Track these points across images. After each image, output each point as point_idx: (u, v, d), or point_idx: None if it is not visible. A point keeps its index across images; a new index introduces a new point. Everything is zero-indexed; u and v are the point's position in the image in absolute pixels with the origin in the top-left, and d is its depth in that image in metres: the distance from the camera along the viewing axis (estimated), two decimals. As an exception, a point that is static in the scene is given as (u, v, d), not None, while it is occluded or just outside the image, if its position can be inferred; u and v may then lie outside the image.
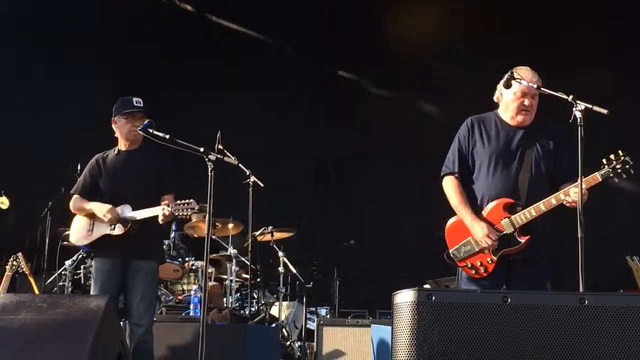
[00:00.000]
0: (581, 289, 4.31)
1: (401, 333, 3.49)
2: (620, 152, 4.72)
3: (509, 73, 5.00)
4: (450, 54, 10.03)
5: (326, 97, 11.07)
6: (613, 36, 9.90)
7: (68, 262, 8.09)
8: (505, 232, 4.92)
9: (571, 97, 4.67)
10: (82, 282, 7.86)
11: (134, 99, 6.05)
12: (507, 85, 5.02)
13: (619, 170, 4.71)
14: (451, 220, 5.20)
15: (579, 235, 4.49)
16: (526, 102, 5.03)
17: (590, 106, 4.62)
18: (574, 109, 4.63)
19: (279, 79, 11.07)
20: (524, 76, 5.00)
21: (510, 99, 5.09)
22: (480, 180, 5.11)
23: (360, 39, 10.92)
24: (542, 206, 4.84)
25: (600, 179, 4.73)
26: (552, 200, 4.82)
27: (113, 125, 6.10)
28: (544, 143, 5.06)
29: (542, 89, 4.90)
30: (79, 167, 8.14)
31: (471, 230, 5.02)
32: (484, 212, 5.03)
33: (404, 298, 3.55)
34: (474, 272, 5.04)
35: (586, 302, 3.43)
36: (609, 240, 9.00)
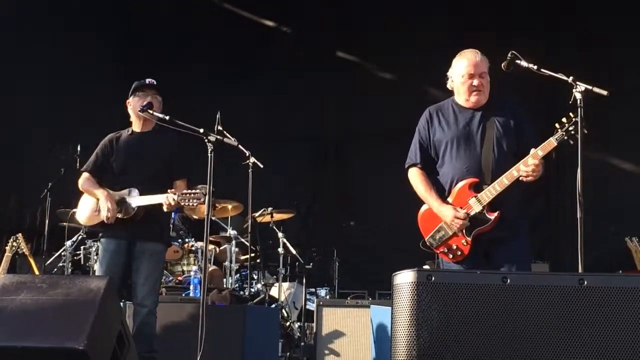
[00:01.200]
0: (580, 270, 4.33)
1: (401, 313, 3.50)
2: (571, 114, 4.71)
3: (509, 55, 5.01)
4: (451, 36, 10.01)
5: (326, 78, 11.04)
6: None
7: (68, 243, 8.11)
8: (474, 211, 4.94)
9: (571, 78, 4.68)
10: (82, 262, 7.88)
11: (147, 79, 6.05)
12: (508, 67, 5.02)
13: (572, 132, 4.71)
14: (422, 209, 5.23)
15: (578, 216, 4.51)
16: (475, 82, 5.06)
17: (590, 87, 4.63)
18: (573, 90, 4.64)
19: (277, 61, 11.06)
20: (468, 58, 5.09)
21: (460, 82, 5.13)
22: (445, 166, 5.14)
23: (361, 19, 10.89)
24: (504, 180, 4.86)
25: (556, 143, 4.76)
26: (513, 172, 4.84)
27: (128, 108, 6.09)
28: (503, 121, 5.09)
29: (542, 70, 4.90)
30: (78, 149, 8.18)
31: (440, 215, 5.05)
32: (451, 196, 5.06)
33: (404, 279, 3.56)
34: (451, 256, 5.06)
35: (585, 282, 3.44)
36: (609, 221, 8.99)
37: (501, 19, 10.29)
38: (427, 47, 10.12)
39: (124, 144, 6.04)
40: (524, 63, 4.97)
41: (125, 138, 6.07)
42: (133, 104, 6.01)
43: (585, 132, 4.68)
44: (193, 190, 5.68)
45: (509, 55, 5.00)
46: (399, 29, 10.69)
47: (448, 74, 5.24)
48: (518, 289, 3.46)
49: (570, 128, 4.71)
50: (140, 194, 5.79)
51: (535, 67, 4.94)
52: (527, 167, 4.79)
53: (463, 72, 5.10)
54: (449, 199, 5.06)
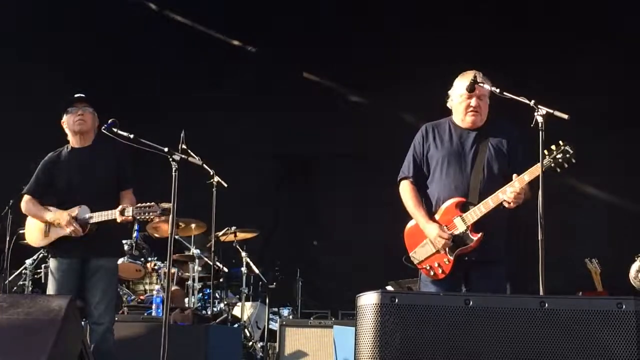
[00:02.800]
0: (541, 292, 4.37)
1: (364, 335, 3.51)
2: (560, 142, 4.79)
3: (471, 77, 5.07)
4: (416, 57, 10.10)
5: (292, 98, 11.07)
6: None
7: (28, 262, 8.01)
8: (458, 230, 4.99)
9: (533, 102, 4.73)
10: (43, 281, 7.78)
11: (76, 94, 6.01)
12: (471, 89, 5.08)
13: (560, 160, 4.77)
14: (409, 224, 5.28)
15: (539, 238, 4.55)
16: (472, 102, 5.11)
17: (551, 111, 4.68)
18: (535, 113, 4.69)
19: (245, 78, 11.07)
20: (470, 79, 5.10)
21: (458, 102, 5.19)
22: (434, 183, 5.19)
23: (327, 40, 10.95)
24: (490, 202, 4.91)
25: (542, 170, 4.80)
26: (499, 194, 4.89)
27: (64, 127, 6.02)
28: (497, 143, 5.15)
29: (504, 93, 4.95)
30: (32, 166, 8.08)
31: (425, 232, 5.09)
32: (438, 213, 5.10)
33: (368, 300, 3.57)
34: (432, 273, 5.10)
35: (546, 305, 3.47)
36: (569, 243, 9.09)
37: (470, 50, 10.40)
38: (395, 70, 10.22)
39: (66, 162, 5.95)
40: (486, 86, 5.03)
41: (65, 156, 5.98)
42: (67, 121, 5.94)
43: (574, 161, 4.75)
44: (148, 204, 5.64)
45: (472, 77, 5.05)
46: (367, 52, 10.77)
47: (449, 92, 5.29)
48: (480, 311, 3.48)
49: (559, 156, 4.77)
50: (91, 211, 5.73)
51: (498, 90, 4.99)
52: (510, 193, 4.84)
53: (462, 91, 5.14)
54: (436, 216, 5.10)
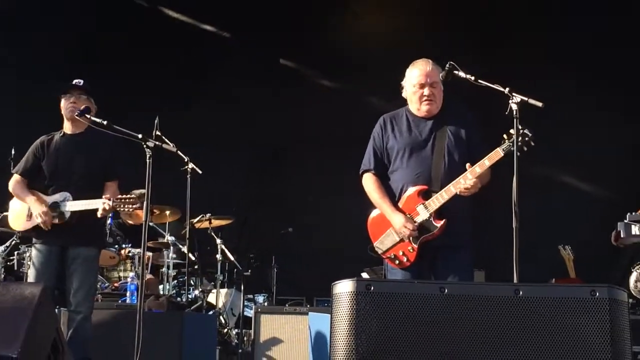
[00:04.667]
0: (515, 280, 4.40)
1: (340, 323, 3.52)
2: (519, 126, 4.79)
3: (447, 66, 5.07)
4: (390, 44, 10.10)
5: (266, 84, 11.05)
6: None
7: (1, 248, 7.94)
8: (421, 217, 5.01)
9: (507, 89, 4.76)
10: (16, 268, 7.72)
11: (75, 80, 6.00)
12: (446, 77, 5.08)
13: (519, 144, 4.77)
14: (372, 214, 5.31)
15: (513, 226, 4.58)
16: (426, 91, 5.16)
17: (525, 99, 4.72)
18: (510, 101, 4.72)
19: (218, 65, 11.03)
20: (420, 68, 5.18)
21: (412, 91, 5.22)
22: (396, 173, 5.22)
23: (301, 27, 10.92)
24: (452, 187, 4.95)
25: (502, 154, 4.85)
26: (461, 180, 4.92)
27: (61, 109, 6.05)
28: (455, 130, 5.20)
29: (479, 81, 4.97)
30: (12, 152, 8.02)
31: (391, 222, 5.11)
32: (401, 202, 5.14)
33: (343, 288, 3.58)
34: (397, 262, 5.13)
35: (521, 292, 3.50)
36: (543, 230, 9.15)
37: (441, 23, 10.41)
38: (364, 57, 10.23)
39: (55, 147, 5.98)
40: (461, 74, 5.02)
41: (57, 140, 6.01)
42: (63, 106, 5.96)
43: (533, 144, 4.77)
44: (128, 195, 5.65)
45: (447, 65, 5.05)
46: (340, 37, 10.77)
47: (402, 83, 5.32)
48: (455, 299, 3.50)
49: (518, 139, 4.80)
50: (74, 199, 5.72)
51: (473, 77, 5.00)
52: (470, 179, 4.87)
53: (415, 81, 5.18)
54: (399, 205, 5.12)
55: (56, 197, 5.78)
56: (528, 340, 3.42)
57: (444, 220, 4.99)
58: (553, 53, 9.93)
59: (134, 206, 5.65)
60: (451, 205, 4.99)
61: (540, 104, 4.70)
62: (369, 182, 5.29)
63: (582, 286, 3.50)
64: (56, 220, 5.71)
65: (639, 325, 7.11)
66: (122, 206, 5.63)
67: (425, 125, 5.21)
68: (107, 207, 5.62)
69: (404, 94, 5.33)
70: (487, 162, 4.88)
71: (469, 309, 3.48)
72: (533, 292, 3.49)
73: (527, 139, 4.79)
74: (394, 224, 5.08)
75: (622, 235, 6.32)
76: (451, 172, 5.05)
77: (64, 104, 5.95)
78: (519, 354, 3.41)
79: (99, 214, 5.66)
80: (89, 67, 9.88)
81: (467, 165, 4.90)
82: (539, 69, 9.73)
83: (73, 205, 5.71)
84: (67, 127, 6.03)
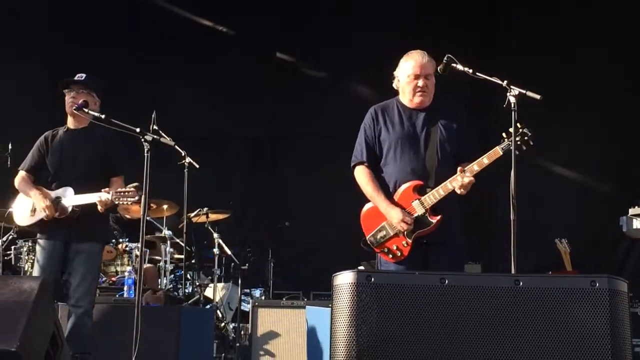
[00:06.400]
0: (513, 271, 4.41)
1: (340, 314, 3.53)
2: (519, 124, 4.82)
3: (445, 59, 5.08)
4: (385, 36, 10.09)
5: (262, 78, 11.04)
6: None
7: (-2, 243, 7.94)
8: (417, 213, 5.01)
9: (505, 82, 4.77)
10: (13, 263, 7.72)
11: (77, 75, 6.00)
12: (444, 70, 5.09)
13: (519, 142, 4.81)
14: (365, 207, 5.29)
15: (511, 218, 4.59)
16: (420, 83, 5.14)
17: (523, 91, 4.73)
18: (507, 94, 4.73)
19: (215, 59, 11.01)
20: (415, 59, 5.16)
21: (405, 82, 5.20)
22: (389, 166, 5.20)
23: (298, 20, 10.92)
24: (449, 184, 4.95)
25: (501, 152, 4.86)
26: (457, 177, 4.92)
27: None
28: (446, 123, 5.18)
29: (477, 74, 4.98)
30: (9, 147, 8.01)
31: (387, 216, 5.09)
32: (396, 197, 5.12)
33: (344, 279, 3.59)
34: (390, 256, 5.12)
35: (521, 283, 3.51)
36: (539, 222, 9.16)
37: (436, 20, 10.39)
38: (362, 49, 10.22)
39: (59, 142, 6.00)
40: (459, 66, 5.03)
41: (61, 135, 6.03)
42: (65, 100, 5.97)
43: (532, 143, 4.79)
44: (127, 189, 5.64)
45: (445, 58, 5.06)
46: (335, 30, 10.75)
47: (395, 73, 5.29)
48: (456, 290, 3.51)
49: (517, 138, 4.80)
50: (75, 193, 5.73)
51: (471, 70, 5.01)
52: (467, 177, 4.87)
53: (409, 72, 5.16)
54: (394, 198, 5.11)
55: (59, 192, 5.79)
56: (528, 331, 3.43)
57: (439, 216, 4.99)
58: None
59: (133, 199, 5.63)
60: (444, 201, 4.99)
61: (538, 97, 4.71)
62: (362, 175, 5.26)
63: (582, 276, 3.50)
64: (56, 215, 5.72)
65: (636, 318, 7.17)
66: (120, 199, 5.62)
67: (417, 117, 5.20)
68: (106, 200, 5.61)
69: (395, 85, 5.31)
70: (485, 160, 4.88)
71: (469, 300, 3.49)
72: (533, 283, 3.50)
73: (526, 138, 4.81)
74: (391, 219, 5.06)
75: (624, 229, 6.36)
76: (444, 166, 5.05)
77: (66, 99, 5.96)
78: (519, 344, 3.42)
79: (99, 207, 5.65)
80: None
81: (459, 168, 4.90)
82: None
83: (73, 200, 5.71)
84: (71, 122, 6.05)
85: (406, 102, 5.25)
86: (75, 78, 5.97)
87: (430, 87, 5.19)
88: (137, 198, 5.62)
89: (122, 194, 5.61)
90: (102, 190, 5.65)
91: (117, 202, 5.67)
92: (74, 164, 5.89)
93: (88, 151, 5.92)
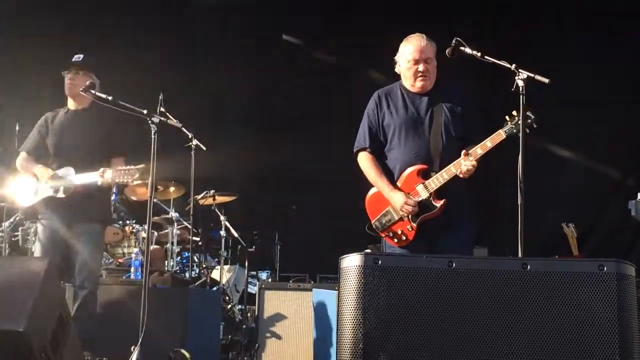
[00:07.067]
0: (519, 255, 4.41)
1: (347, 297, 3.53)
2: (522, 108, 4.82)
3: (453, 42, 5.06)
4: (396, 20, 10.06)
5: (270, 60, 11.03)
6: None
7: (5, 224, 7.94)
8: (421, 197, 5.00)
9: (514, 65, 4.76)
10: (20, 244, 7.74)
11: (75, 56, 6.00)
12: (452, 53, 5.07)
13: (522, 126, 4.80)
14: (370, 193, 5.29)
15: (518, 202, 4.58)
16: (420, 67, 5.12)
17: (532, 75, 4.71)
18: (516, 77, 4.72)
19: (223, 41, 10.99)
20: (414, 43, 5.14)
21: (406, 67, 5.19)
22: (394, 151, 5.19)
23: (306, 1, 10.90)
24: (452, 168, 4.95)
25: (504, 136, 4.86)
26: (461, 161, 4.91)
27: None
28: (451, 106, 5.16)
29: (485, 57, 4.96)
30: (17, 127, 8.02)
31: (390, 201, 5.10)
32: (400, 181, 5.12)
33: (351, 262, 3.58)
34: (395, 240, 5.13)
35: (529, 267, 3.50)
36: (546, 207, 9.15)
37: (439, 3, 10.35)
38: (364, 31, 10.20)
39: (59, 123, 6.03)
40: (467, 50, 5.02)
41: (61, 116, 6.07)
42: (65, 83, 5.98)
43: (535, 126, 4.78)
44: (127, 167, 5.64)
45: (454, 41, 5.05)
46: (337, 12, 10.73)
47: (395, 58, 5.28)
48: (463, 273, 3.50)
49: (520, 122, 4.79)
50: (76, 173, 5.74)
51: (479, 54, 4.99)
52: (471, 161, 4.86)
53: (409, 57, 5.14)
54: (398, 184, 5.11)
55: (60, 172, 5.80)
56: (535, 314, 3.42)
57: (443, 200, 4.98)
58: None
59: (133, 177, 5.62)
60: (449, 184, 4.98)
61: (546, 80, 4.70)
62: (365, 161, 5.27)
63: (590, 261, 3.49)
64: (59, 194, 5.73)
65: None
66: (121, 177, 5.61)
67: (421, 101, 5.18)
68: (106, 178, 5.61)
69: (397, 69, 5.30)
70: (488, 143, 4.88)
71: (476, 283, 3.49)
72: (541, 267, 3.48)
73: (529, 120, 4.80)
74: (394, 203, 5.07)
75: (632, 213, 6.34)
76: (449, 150, 5.04)
77: (66, 81, 5.99)
78: (526, 327, 3.42)
79: (99, 183, 5.65)
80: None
81: (463, 152, 4.88)
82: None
83: (74, 179, 5.73)
84: (71, 104, 6.09)
85: (408, 86, 5.24)
86: (73, 59, 5.98)
87: (432, 70, 5.17)
88: (136, 176, 5.62)
89: (122, 172, 5.61)
90: (104, 168, 5.66)
91: (117, 181, 5.67)
92: (75, 144, 5.92)
93: (89, 131, 5.95)
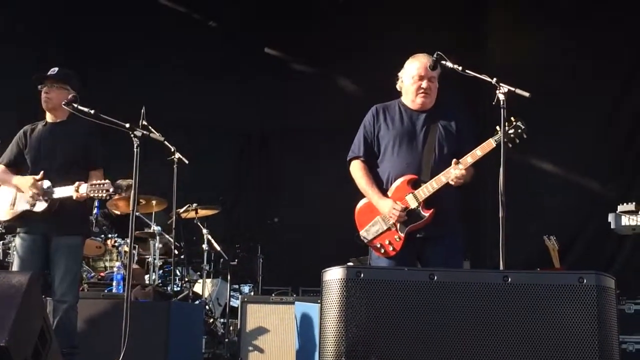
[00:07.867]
0: (501, 267, 4.43)
1: (330, 309, 3.53)
2: (512, 118, 4.90)
3: (434, 56, 5.10)
4: (373, 29, 10.12)
5: (252, 73, 11.04)
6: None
7: (-15, 239, 7.90)
8: (410, 207, 5.03)
9: (495, 79, 4.79)
10: (2, 258, 7.69)
11: (51, 70, 6.00)
12: (433, 67, 5.11)
13: (512, 136, 4.90)
14: (360, 203, 5.32)
15: (500, 215, 4.60)
16: (424, 84, 5.19)
17: (512, 89, 4.74)
18: (497, 91, 4.75)
19: (205, 53, 10.99)
20: (421, 61, 5.20)
21: (409, 83, 5.25)
22: (386, 162, 5.23)
23: (288, 15, 10.92)
24: (442, 177, 4.99)
25: (494, 144, 4.90)
26: (451, 169, 4.96)
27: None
28: (446, 125, 5.23)
29: (466, 71, 4.99)
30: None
31: (378, 208, 5.14)
32: (390, 190, 5.15)
33: (333, 275, 3.59)
34: (383, 251, 5.15)
35: (510, 279, 3.52)
36: (528, 220, 9.19)
37: (422, 19, 10.39)
38: (347, 47, 10.24)
39: (37, 136, 6.01)
40: (449, 64, 5.04)
41: (39, 129, 6.04)
42: (41, 97, 5.97)
43: (525, 136, 4.82)
44: (101, 182, 5.62)
45: (435, 55, 5.07)
46: (324, 26, 10.77)
47: (399, 74, 5.35)
48: (445, 286, 3.52)
49: (511, 131, 4.86)
50: (53, 187, 5.73)
51: (460, 67, 5.02)
52: (459, 170, 4.90)
53: (414, 73, 5.21)
54: (388, 194, 5.14)
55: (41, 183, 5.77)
56: (516, 327, 3.44)
57: (432, 209, 5.01)
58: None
59: (108, 192, 5.60)
60: (439, 195, 5.01)
61: (527, 94, 4.72)
62: (357, 169, 5.31)
63: (570, 273, 3.52)
64: (36, 208, 5.71)
65: (623, 315, 7.20)
66: (95, 192, 5.59)
67: (418, 117, 5.24)
68: (80, 192, 5.58)
69: (398, 86, 5.36)
70: (479, 152, 4.93)
71: (458, 296, 3.50)
72: (521, 279, 3.50)
73: (519, 130, 4.86)
74: (382, 209, 5.10)
75: (612, 226, 6.39)
76: (441, 165, 5.07)
77: (42, 95, 5.97)
78: (507, 340, 3.43)
79: (74, 197, 5.62)
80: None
81: (453, 161, 4.93)
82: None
83: (54, 192, 5.71)
84: (49, 116, 6.07)
85: (408, 102, 5.29)
86: (49, 73, 5.98)
87: (434, 90, 5.24)
88: (111, 191, 5.60)
89: (96, 186, 5.58)
90: (77, 182, 5.64)
91: (91, 195, 5.64)
92: (53, 157, 5.89)
93: (67, 144, 5.92)
